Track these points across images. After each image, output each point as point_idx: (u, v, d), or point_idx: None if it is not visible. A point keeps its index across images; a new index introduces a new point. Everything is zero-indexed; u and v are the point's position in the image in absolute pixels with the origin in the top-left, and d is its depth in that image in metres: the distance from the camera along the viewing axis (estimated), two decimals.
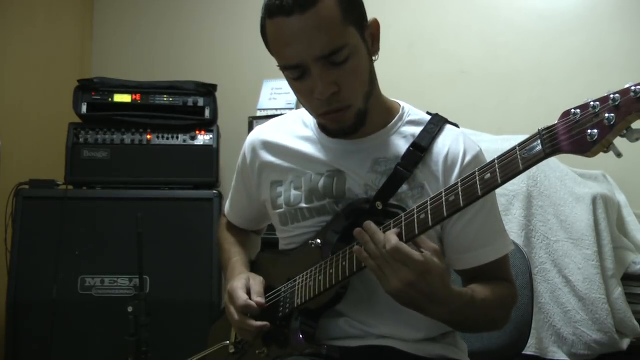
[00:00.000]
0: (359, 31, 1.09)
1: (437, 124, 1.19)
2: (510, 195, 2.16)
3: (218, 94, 2.61)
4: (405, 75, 2.93)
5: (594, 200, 2.13)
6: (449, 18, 2.95)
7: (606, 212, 2.15)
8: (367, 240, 1.00)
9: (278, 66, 1.11)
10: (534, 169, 2.21)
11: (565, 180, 2.20)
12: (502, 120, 2.78)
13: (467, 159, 1.15)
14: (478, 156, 1.16)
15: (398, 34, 2.98)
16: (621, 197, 2.40)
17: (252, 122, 2.64)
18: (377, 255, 0.97)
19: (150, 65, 3.23)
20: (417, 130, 1.18)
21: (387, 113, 1.21)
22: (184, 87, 2.57)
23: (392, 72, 2.91)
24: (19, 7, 2.82)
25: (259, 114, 2.72)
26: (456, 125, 1.23)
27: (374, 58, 1.14)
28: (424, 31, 2.98)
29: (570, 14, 2.77)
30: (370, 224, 1.01)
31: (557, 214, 2.16)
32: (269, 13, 1.06)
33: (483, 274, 1.13)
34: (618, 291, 2.08)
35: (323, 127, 1.22)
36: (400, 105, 1.24)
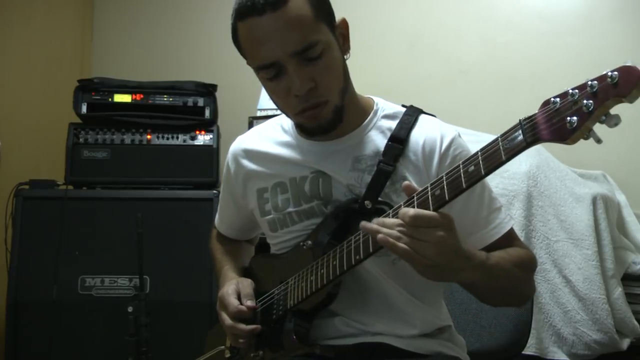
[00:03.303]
0: (330, 29, 1.10)
1: (412, 114, 1.20)
2: (510, 195, 2.16)
3: (218, 94, 2.61)
4: (405, 75, 2.93)
5: (594, 200, 2.14)
6: (449, 18, 2.95)
7: (606, 212, 2.16)
8: (381, 230, 0.94)
9: (252, 68, 1.12)
10: (534, 169, 2.22)
11: (565, 180, 2.20)
12: (502, 120, 2.76)
13: (445, 143, 1.15)
14: (455, 139, 1.17)
15: (398, 34, 2.98)
16: (621, 197, 2.41)
17: (252, 122, 2.64)
18: (400, 236, 0.91)
19: (150, 65, 3.23)
20: (392, 123, 1.19)
21: (362, 110, 1.22)
22: (184, 87, 2.57)
23: (392, 72, 2.92)
24: (19, 7, 2.82)
25: (259, 114, 2.72)
26: (433, 116, 1.23)
27: (345, 56, 1.16)
28: (424, 31, 2.98)
29: (570, 15, 2.77)
30: (366, 224, 0.98)
31: (557, 214, 2.16)
32: (240, 15, 1.07)
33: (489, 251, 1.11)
34: (618, 291, 2.08)
35: (301, 128, 1.22)
36: (374, 101, 1.25)
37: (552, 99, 0.82)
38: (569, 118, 0.78)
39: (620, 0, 2.72)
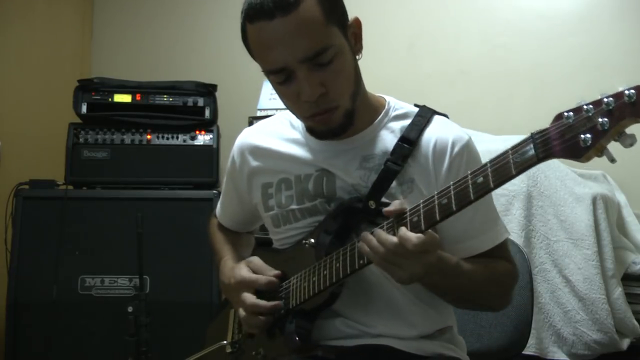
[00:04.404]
0: (341, 31, 1.08)
1: (424, 115, 1.18)
2: (510, 195, 2.16)
3: (218, 94, 2.61)
4: (405, 75, 2.92)
5: (594, 200, 2.13)
6: (449, 18, 2.95)
7: (606, 212, 2.15)
8: (379, 251, 0.98)
9: (262, 71, 1.10)
10: (533, 169, 2.21)
11: (565, 180, 2.20)
12: (501, 120, 2.78)
13: (456, 149, 1.13)
14: (467, 145, 1.15)
15: (398, 34, 2.98)
16: (621, 197, 2.40)
17: (252, 122, 2.63)
18: (394, 259, 0.97)
19: (150, 65, 3.23)
20: (404, 123, 1.18)
21: (373, 110, 1.20)
22: (184, 87, 2.57)
23: (392, 72, 2.92)
24: (19, 8, 2.82)
25: (259, 114, 2.71)
26: (445, 116, 1.21)
27: (357, 57, 1.14)
28: (424, 31, 2.98)
29: (570, 14, 2.76)
30: (367, 235, 1.01)
31: (557, 214, 2.16)
32: (249, 18, 1.05)
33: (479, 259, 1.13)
34: (618, 291, 2.08)
35: (311, 130, 1.21)
36: (385, 100, 1.23)
37: (565, 114, 0.79)
38: (582, 135, 0.76)
39: (620, 0, 2.72)
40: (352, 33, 1.12)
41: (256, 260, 1.23)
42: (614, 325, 2.03)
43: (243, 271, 1.21)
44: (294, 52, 1.03)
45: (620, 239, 2.24)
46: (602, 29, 2.70)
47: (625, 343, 2.06)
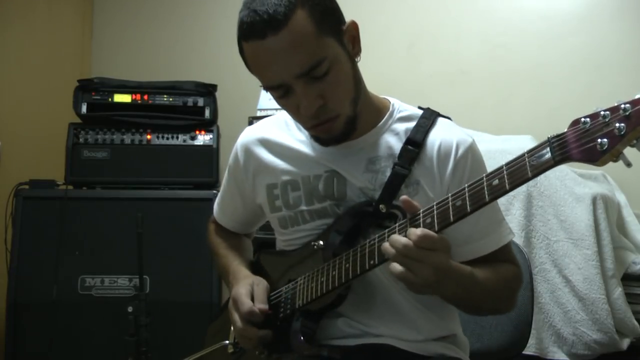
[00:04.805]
0: (336, 38, 1.07)
1: (429, 117, 1.18)
2: (510, 195, 2.16)
3: (218, 94, 2.61)
4: (405, 75, 2.93)
5: (594, 200, 2.13)
6: (449, 18, 2.95)
7: (606, 212, 2.15)
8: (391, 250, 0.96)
9: (261, 86, 1.10)
10: None
11: (565, 180, 2.20)
12: (501, 120, 2.78)
13: (460, 151, 1.14)
14: (471, 148, 1.16)
15: (398, 34, 2.98)
16: (621, 197, 2.40)
17: (252, 121, 2.64)
18: (403, 256, 0.94)
19: (150, 65, 3.23)
20: (409, 125, 1.18)
21: (377, 112, 1.20)
22: (184, 87, 2.57)
23: (392, 72, 2.92)
24: (19, 7, 2.82)
25: (259, 114, 2.72)
26: (448, 119, 1.22)
27: (356, 59, 1.13)
28: (424, 31, 2.98)
29: (570, 14, 2.77)
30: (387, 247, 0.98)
31: (557, 214, 2.16)
32: (243, 36, 1.05)
33: (484, 261, 1.13)
34: (618, 291, 2.08)
35: (315, 137, 1.20)
36: (389, 102, 1.23)
37: (582, 119, 0.81)
38: (599, 140, 0.78)
39: (620, 0, 2.72)
40: (350, 37, 1.11)
41: (261, 287, 1.20)
42: (614, 325, 2.03)
43: (242, 290, 1.17)
44: (289, 69, 1.03)
45: (620, 239, 2.24)
46: (602, 29, 2.70)
47: (625, 343, 2.06)
